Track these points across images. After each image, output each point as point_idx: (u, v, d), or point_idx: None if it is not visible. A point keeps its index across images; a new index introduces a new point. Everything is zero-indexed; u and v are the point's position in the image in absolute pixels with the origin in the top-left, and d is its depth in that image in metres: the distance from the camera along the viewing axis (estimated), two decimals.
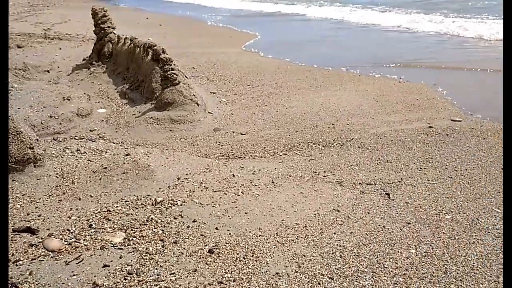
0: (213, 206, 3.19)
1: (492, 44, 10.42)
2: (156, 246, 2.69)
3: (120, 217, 3.01)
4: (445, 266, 2.58)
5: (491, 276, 2.50)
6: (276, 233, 2.89)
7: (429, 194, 3.44)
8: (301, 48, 10.68)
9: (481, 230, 2.95)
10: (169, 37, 11.99)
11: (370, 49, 10.52)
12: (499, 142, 4.54)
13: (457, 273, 2.52)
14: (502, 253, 2.72)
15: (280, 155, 4.44)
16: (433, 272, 2.52)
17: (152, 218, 2.98)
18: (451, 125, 5.03)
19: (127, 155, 3.73)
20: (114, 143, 4.47)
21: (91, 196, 3.29)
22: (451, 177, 3.74)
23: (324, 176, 3.85)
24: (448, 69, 8.02)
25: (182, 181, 3.54)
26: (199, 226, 2.92)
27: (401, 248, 2.74)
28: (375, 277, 2.47)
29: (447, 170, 3.89)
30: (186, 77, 5.69)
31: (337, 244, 2.78)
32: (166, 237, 2.79)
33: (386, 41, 11.58)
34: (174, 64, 5.39)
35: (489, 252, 2.72)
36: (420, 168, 3.94)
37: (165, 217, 3.00)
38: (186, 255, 2.61)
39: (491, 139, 4.62)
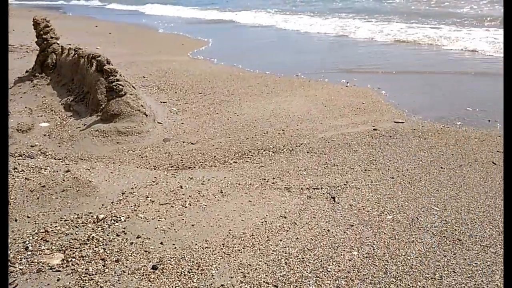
0: (158, 220, 3.13)
1: (432, 48, 10.94)
2: (96, 266, 2.59)
3: (59, 238, 2.88)
4: (386, 266, 2.66)
5: (428, 274, 2.60)
6: (222, 244, 2.87)
7: (372, 196, 3.55)
8: (253, 55, 10.76)
9: (420, 229, 3.08)
10: (119, 45, 11.72)
11: (318, 54, 10.78)
12: (439, 142, 4.77)
13: (397, 273, 2.60)
14: (439, 250, 2.84)
15: (231, 164, 4.43)
16: (374, 273, 2.59)
17: (93, 237, 2.87)
18: (394, 126, 5.23)
19: (67, 171, 3.58)
20: (55, 159, 4.29)
21: (28, 217, 3.12)
22: (393, 178, 3.88)
23: (273, 182, 3.87)
24: (391, 74, 8.32)
25: (127, 196, 3.44)
26: (143, 242, 2.85)
27: (344, 251, 2.80)
28: (319, 282, 2.51)
29: (389, 171, 4.04)
30: (134, 87, 5.57)
31: (282, 251, 2.80)
32: (107, 255, 2.69)
33: (332, 47, 11.88)
34: (119, 75, 5.26)
35: (427, 250, 2.83)
36: (365, 170, 4.06)
37: (107, 235, 2.90)
38: (128, 273, 2.54)
39: (432, 139, 4.84)
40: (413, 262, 2.70)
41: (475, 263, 2.71)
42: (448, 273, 2.61)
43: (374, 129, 5.14)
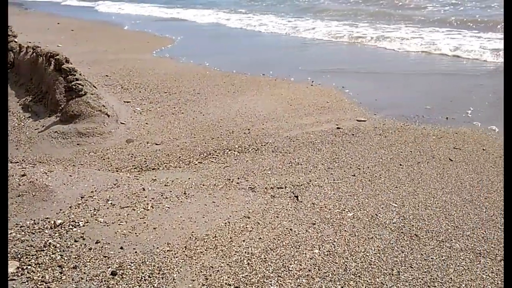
0: (119, 224, 3.06)
1: (394, 49, 11.22)
2: (53, 273, 2.52)
3: (14, 245, 2.78)
4: (346, 263, 2.72)
5: (386, 270, 2.67)
6: (185, 247, 2.85)
7: (334, 194, 3.61)
8: (220, 54, 10.71)
9: (379, 225, 3.16)
10: (82, 43, 11.39)
11: (284, 54, 10.87)
12: (398, 139, 4.91)
13: (356, 269, 2.66)
14: (397, 246, 2.93)
15: (196, 164, 4.40)
16: (334, 270, 2.65)
17: (50, 243, 2.78)
18: (356, 125, 5.35)
19: (23, 175, 3.45)
20: (12, 162, 4.13)
21: None
22: (354, 175, 3.97)
23: (238, 183, 3.87)
24: (356, 73, 8.47)
25: (86, 200, 3.36)
26: (102, 247, 2.79)
27: (305, 249, 2.84)
28: (280, 281, 2.53)
29: (351, 168, 4.12)
30: (95, 86, 5.43)
31: (245, 252, 2.81)
32: (65, 262, 2.62)
33: (298, 47, 11.96)
34: (79, 74, 5.11)
35: (385, 246, 2.91)
36: (328, 169, 4.13)
37: (65, 241, 2.82)
38: (86, 280, 2.48)
39: (392, 137, 4.98)
40: (372, 258, 2.78)
41: (431, 258, 2.81)
42: (405, 268, 2.70)
43: (338, 128, 5.23)
